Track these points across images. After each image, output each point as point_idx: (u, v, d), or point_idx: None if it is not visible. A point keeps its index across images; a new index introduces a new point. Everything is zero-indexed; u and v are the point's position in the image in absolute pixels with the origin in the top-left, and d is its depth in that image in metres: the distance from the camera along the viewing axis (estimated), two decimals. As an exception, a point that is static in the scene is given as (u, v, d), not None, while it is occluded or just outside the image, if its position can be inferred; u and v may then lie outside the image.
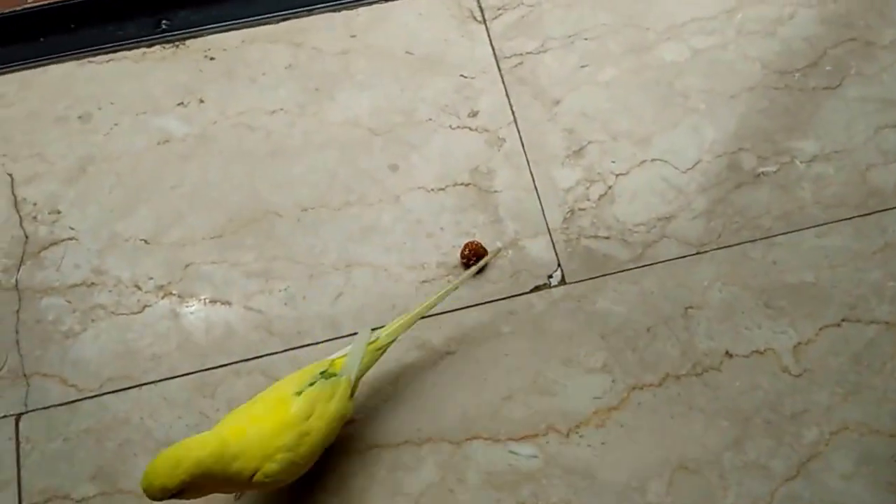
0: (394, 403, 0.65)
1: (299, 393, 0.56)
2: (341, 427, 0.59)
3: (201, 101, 0.76)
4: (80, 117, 0.75)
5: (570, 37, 0.79)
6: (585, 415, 0.64)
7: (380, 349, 0.61)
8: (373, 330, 0.61)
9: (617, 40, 0.78)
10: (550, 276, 0.69)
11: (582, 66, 0.77)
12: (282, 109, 0.76)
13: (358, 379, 0.59)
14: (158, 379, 0.65)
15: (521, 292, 0.68)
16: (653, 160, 0.73)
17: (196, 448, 0.50)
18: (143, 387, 0.65)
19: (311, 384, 0.56)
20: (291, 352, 0.66)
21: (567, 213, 0.72)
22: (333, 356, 0.60)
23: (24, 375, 0.65)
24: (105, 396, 0.64)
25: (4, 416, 0.64)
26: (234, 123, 0.75)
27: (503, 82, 0.77)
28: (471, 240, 0.69)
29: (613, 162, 0.73)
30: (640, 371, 0.65)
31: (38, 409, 0.64)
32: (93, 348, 0.66)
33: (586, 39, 0.79)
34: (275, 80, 0.77)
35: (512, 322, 0.67)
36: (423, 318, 0.63)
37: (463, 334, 0.67)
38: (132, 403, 0.64)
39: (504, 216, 0.71)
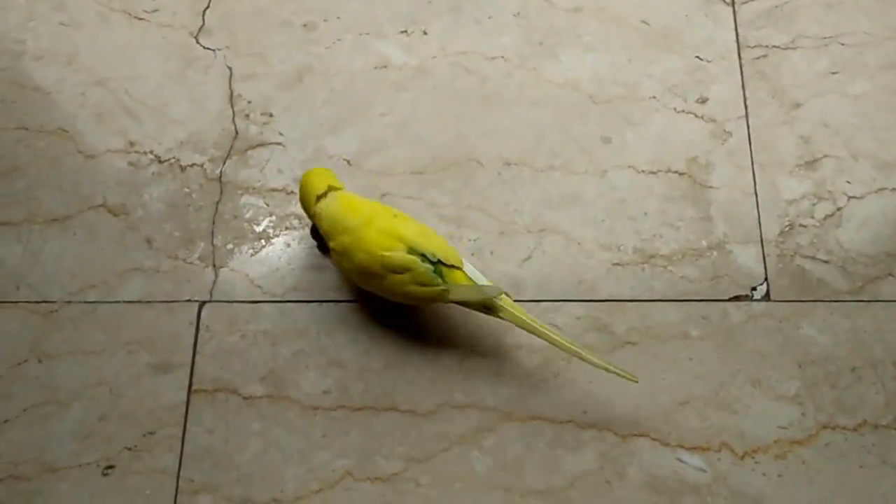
0: (563, 380, 0.63)
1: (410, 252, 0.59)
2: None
3: (424, 33, 0.75)
4: (304, 25, 0.75)
5: (824, 38, 0.72)
6: (766, 441, 0.60)
7: (488, 307, 0.59)
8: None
9: (876, 52, 0.71)
10: (754, 289, 0.65)
11: (832, 73, 0.71)
12: (502, 57, 0.74)
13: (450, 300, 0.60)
14: (340, 299, 0.65)
15: (718, 298, 0.64)
16: (893, 189, 0.67)
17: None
18: (325, 304, 0.65)
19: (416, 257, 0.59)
20: (470, 303, 0.65)
21: (786, 226, 0.67)
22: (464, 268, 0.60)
23: (214, 266, 0.67)
24: (288, 304, 0.65)
25: (189, 301, 0.66)
26: (452, 62, 0.74)
27: (741, 72, 0.71)
28: None
29: (849, 182, 0.67)
30: (834, 410, 0.61)
31: (221, 301, 0.66)
32: (283, 254, 0.67)
33: (842, 45, 0.72)
34: (500, 26, 0.75)
35: (702, 327, 0.64)
36: (601, 301, 0.61)
37: (647, 327, 0.64)
38: (312, 317, 0.65)
39: (715, 215, 0.67)
